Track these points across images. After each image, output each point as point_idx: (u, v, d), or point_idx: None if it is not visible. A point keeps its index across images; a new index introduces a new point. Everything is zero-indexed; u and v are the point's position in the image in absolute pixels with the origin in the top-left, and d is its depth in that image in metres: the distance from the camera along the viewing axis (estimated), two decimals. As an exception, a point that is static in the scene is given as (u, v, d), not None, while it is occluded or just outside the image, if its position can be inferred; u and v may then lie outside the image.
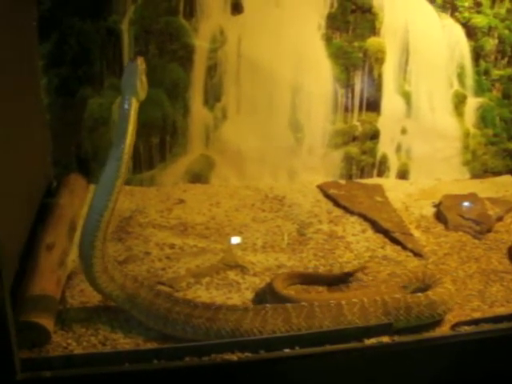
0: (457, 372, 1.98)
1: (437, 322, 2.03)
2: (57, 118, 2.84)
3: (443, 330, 2.00)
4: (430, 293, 2.02)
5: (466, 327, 1.95)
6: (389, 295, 2.01)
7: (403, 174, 3.27)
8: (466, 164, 3.31)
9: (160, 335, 1.94)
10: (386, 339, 1.86)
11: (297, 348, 1.81)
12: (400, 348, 1.90)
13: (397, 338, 1.89)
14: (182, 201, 2.84)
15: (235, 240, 2.60)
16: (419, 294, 2.01)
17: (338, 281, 2.30)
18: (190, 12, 2.81)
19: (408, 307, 1.94)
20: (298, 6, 2.90)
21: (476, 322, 1.98)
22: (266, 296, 2.15)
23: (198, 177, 3.04)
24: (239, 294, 2.20)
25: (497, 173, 3.35)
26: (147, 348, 1.88)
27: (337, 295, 2.17)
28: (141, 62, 1.85)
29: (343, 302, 1.94)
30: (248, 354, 1.77)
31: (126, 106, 1.84)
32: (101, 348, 1.88)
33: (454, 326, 1.96)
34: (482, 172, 3.34)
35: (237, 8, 2.85)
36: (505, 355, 2.00)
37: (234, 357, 1.76)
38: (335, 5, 2.94)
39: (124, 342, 1.90)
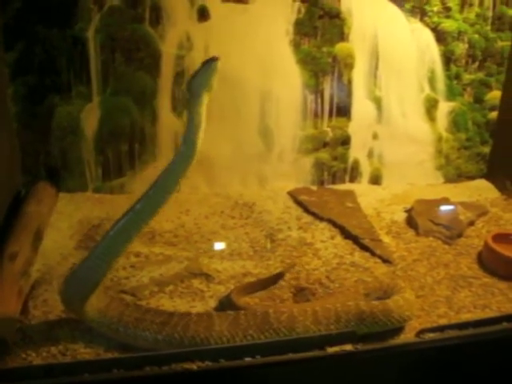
0: (422, 379, 1.99)
1: (400, 329, 2.00)
2: (25, 126, 2.81)
3: (408, 337, 1.99)
4: (362, 303, 1.99)
5: (431, 334, 1.93)
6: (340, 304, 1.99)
7: (376, 180, 3.26)
8: (440, 168, 3.30)
9: (121, 345, 1.92)
10: (348, 347, 1.85)
11: (258, 357, 1.78)
12: (363, 356, 1.89)
13: (360, 346, 1.88)
14: (151, 208, 2.85)
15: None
16: (350, 303, 1.98)
17: (273, 282, 2.30)
18: (156, 19, 2.78)
19: (338, 317, 1.92)
20: (265, 12, 2.88)
21: (441, 328, 1.96)
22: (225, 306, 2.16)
23: (167, 184, 3.04)
24: (203, 302, 2.18)
25: (471, 177, 3.34)
26: (107, 358, 1.87)
27: (298, 305, 2.15)
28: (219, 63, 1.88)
29: (270, 311, 1.94)
30: (208, 363, 1.74)
31: (200, 101, 1.84)
32: (61, 358, 1.86)
33: (419, 333, 1.94)
34: (455, 176, 3.33)
35: (203, 15, 2.83)
36: (470, 361, 2.00)
37: (193, 366, 1.73)
38: (303, 10, 2.91)
39: (85, 352, 1.89)
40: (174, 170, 1.89)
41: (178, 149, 1.89)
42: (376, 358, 1.92)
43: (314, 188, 3.13)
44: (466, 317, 2.13)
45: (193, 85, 1.86)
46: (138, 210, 1.88)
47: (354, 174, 3.23)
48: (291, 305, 2.17)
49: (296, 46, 2.96)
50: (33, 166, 2.90)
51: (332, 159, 3.18)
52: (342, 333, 1.90)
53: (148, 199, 1.88)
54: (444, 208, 2.89)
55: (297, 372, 1.86)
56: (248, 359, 1.80)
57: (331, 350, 1.84)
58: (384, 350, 1.93)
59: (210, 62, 1.84)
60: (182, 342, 1.86)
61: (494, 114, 3.27)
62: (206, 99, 1.86)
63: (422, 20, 3.05)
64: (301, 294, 2.26)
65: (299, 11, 2.92)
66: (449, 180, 3.33)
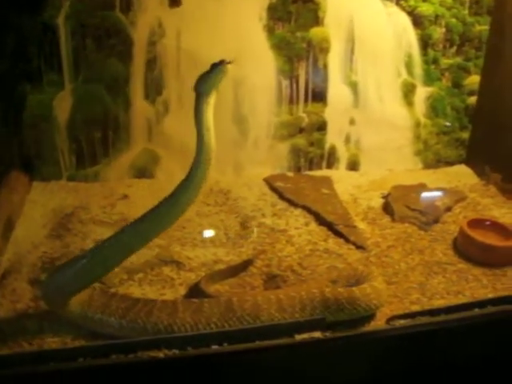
0: (392, 366, 1.97)
1: (371, 317, 1.98)
2: (-4, 115, 2.85)
3: (378, 324, 1.97)
4: (327, 290, 1.96)
5: (402, 321, 1.92)
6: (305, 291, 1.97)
7: (353, 165, 3.22)
8: (418, 154, 3.26)
9: (89, 333, 1.91)
10: (317, 334, 1.84)
11: (225, 344, 1.78)
12: (332, 343, 1.88)
13: (329, 334, 1.86)
14: (125, 196, 2.80)
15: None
16: (315, 291, 1.96)
17: (242, 269, 2.30)
18: (127, 6, 2.75)
19: (303, 304, 1.91)
20: (238, -3, 2.91)
21: (412, 315, 1.95)
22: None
23: (142, 171, 3.00)
24: (172, 289, 2.18)
25: (450, 162, 3.31)
26: (72, 346, 1.86)
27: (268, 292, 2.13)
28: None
29: (234, 299, 1.93)
30: (175, 351, 1.75)
31: (208, 103, 1.84)
32: (27, 347, 1.86)
33: (389, 320, 1.93)
34: (434, 162, 3.30)
35: (175, 0, 2.79)
36: (441, 348, 1.99)
37: (160, 354, 1.73)
38: (276, -5, 2.95)
39: (52, 341, 1.89)
40: (194, 176, 1.88)
41: (195, 155, 1.87)
42: (345, 346, 1.91)
43: (291, 174, 3.11)
44: (438, 303, 2.12)
45: (202, 86, 1.85)
46: (155, 214, 1.87)
47: (331, 159, 3.20)
48: (257, 292, 2.15)
49: (270, 31, 2.93)
50: (6, 156, 2.84)
51: (308, 145, 3.16)
52: (311, 320, 1.89)
53: (168, 206, 1.88)
54: (420, 194, 2.86)
55: (265, 359, 1.84)
56: (215, 347, 1.78)
57: (300, 337, 1.83)
58: (353, 338, 1.92)
59: (220, 65, 1.84)
60: (145, 328, 1.86)
61: (472, 99, 3.24)
62: (213, 100, 1.86)
63: (398, 4, 3.02)
64: (272, 281, 2.25)
65: (272, -4, 2.95)
66: (428, 166, 3.30)
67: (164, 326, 1.85)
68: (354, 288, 2.00)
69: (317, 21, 2.95)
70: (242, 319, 1.88)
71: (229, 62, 1.85)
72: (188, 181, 1.88)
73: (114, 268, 2.00)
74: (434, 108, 3.22)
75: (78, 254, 2.08)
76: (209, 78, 1.84)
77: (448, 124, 3.27)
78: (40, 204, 2.76)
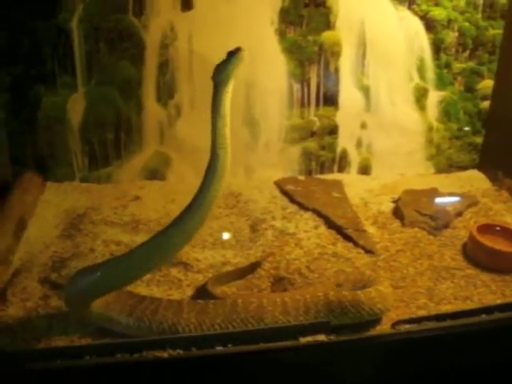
0: (396, 371, 1.97)
1: (377, 321, 1.98)
2: (12, 117, 2.83)
3: (383, 328, 1.97)
4: (331, 293, 1.96)
5: (407, 325, 1.91)
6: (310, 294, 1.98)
7: (365, 170, 3.22)
8: (431, 158, 3.25)
9: (97, 330, 1.95)
10: (322, 338, 1.84)
11: (230, 346, 1.80)
12: (336, 346, 1.88)
13: (333, 337, 1.86)
14: (137, 198, 2.83)
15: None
16: (320, 294, 1.96)
17: (250, 271, 2.31)
18: (140, 9, 2.78)
19: (307, 307, 1.92)
20: (250, 1, 2.85)
21: (418, 320, 1.94)
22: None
23: (154, 173, 3.04)
24: (180, 290, 2.21)
25: (463, 167, 3.28)
26: (79, 344, 1.89)
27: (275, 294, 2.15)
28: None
29: (239, 300, 1.94)
30: (179, 351, 1.76)
31: (226, 91, 1.85)
32: (35, 345, 1.89)
33: (395, 325, 1.92)
34: (447, 167, 3.28)
35: (187, 4, 2.81)
36: (446, 354, 1.97)
37: (164, 354, 1.75)
38: (288, -1, 2.97)
39: (59, 339, 1.93)
40: (214, 167, 1.87)
41: (211, 145, 1.87)
42: (350, 349, 1.90)
43: (302, 178, 3.11)
44: (445, 308, 2.12)
45: (220, 75, 1.85)
46: (191, 212, 1.87)
47: (342, 163, 3.20)
48: (263, 295, 2.16)
49: (281, 34, 2.93)
50: (21, 157, 2.91)
51: (320, 149, 3.16)
52: (315, 323, 1.90)
53: (199, 200, 1.87)
54: (431, 198, 2.84)
55: (269, 362, 1.85)
56: (219, 348, 1.79)
57: (304, 340, 1.83)
58: (358, 341, 1.92)
59: (236, 52, 1.83)
60: (150, 326, 1.89)
61: (486, 104, 3.21)
62: (231, 89, 1.86)
63: (410, 8, 3.00)
64: (279, 283, 2.26)
65: (284, 0, 2.90)
66: (440, 170, 3.28)
67: (168, 326, 1.88)
68: (358, 291, 2.00)
69: (328, 25, 2.95)
70: (246, 321, 1.89)
71: (243, 49, 1.83)
72: (209, 174, 1.87)
73: (141, 276, 2.02)
74: (447, 112, 3.20)
75: (108, 259, 2.13)
76: (228, 64, 1.83)
77: (466, 128, 3.26)
78: (53, 204, 2.82)
